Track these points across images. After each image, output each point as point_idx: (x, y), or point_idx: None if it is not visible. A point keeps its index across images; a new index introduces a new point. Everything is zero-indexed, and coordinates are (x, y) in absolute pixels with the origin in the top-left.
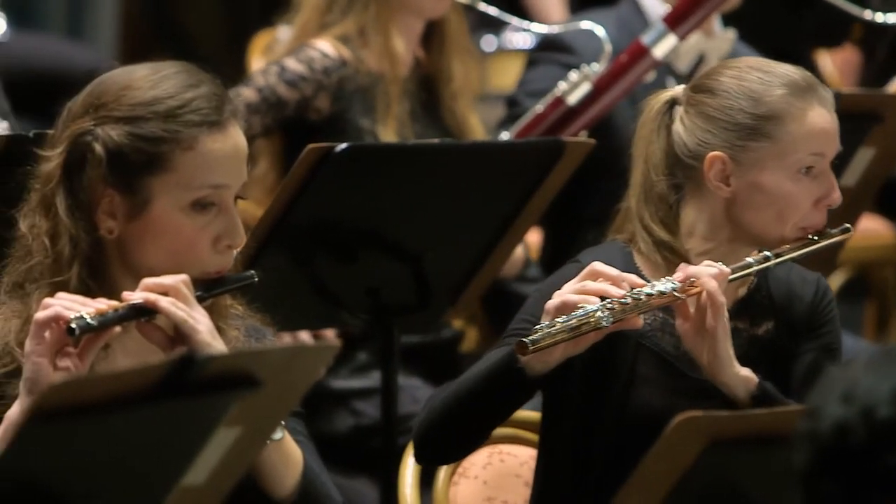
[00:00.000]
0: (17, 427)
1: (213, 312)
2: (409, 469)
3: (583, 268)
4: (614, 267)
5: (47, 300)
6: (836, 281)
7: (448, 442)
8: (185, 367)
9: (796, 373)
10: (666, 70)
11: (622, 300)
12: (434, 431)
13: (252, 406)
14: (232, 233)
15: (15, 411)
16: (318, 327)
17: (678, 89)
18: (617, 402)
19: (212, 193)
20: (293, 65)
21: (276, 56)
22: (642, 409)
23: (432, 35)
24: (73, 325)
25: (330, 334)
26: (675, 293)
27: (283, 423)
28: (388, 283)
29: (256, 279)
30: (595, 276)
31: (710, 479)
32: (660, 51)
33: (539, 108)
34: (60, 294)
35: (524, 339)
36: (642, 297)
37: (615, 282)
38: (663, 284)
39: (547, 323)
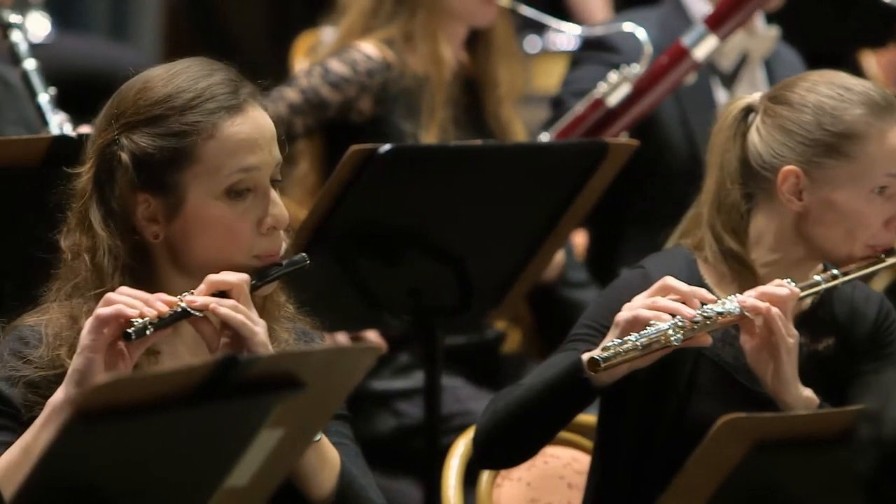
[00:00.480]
0: (60, 427)
1: (265, 313)
2: (452, 470)
3: (646, 274)
4: (678, 275)
5: (110, 295)
6: (879, 284)
7: (510, 445)
8: (228, 369)
9: (857, 392)
10: (709, 69)
11: (693, 318)
12: (496, 435)
13: (295, 408)
14: (273, 213)
15: (59, 398)
16: (359, 329)
17: (755, 97)
18: (675, 411)
19: (244, 178)
20: (337, 66)
21: (320, 57)
22: (700, 419)
23: (478, 40)
24: (131, 332)
25: (372, 336)
26: (745, 313)
27: None
28: (430, 284)
29: (308, 262)
30: (666, 291)
31: (755, 481)
32: (700, 52)
33: (579, 109)
34: (123, 289)
35: (595, 357)
36: (712, 315)
37: (687, 299)
38: (732, 304)
39: (618, 341)
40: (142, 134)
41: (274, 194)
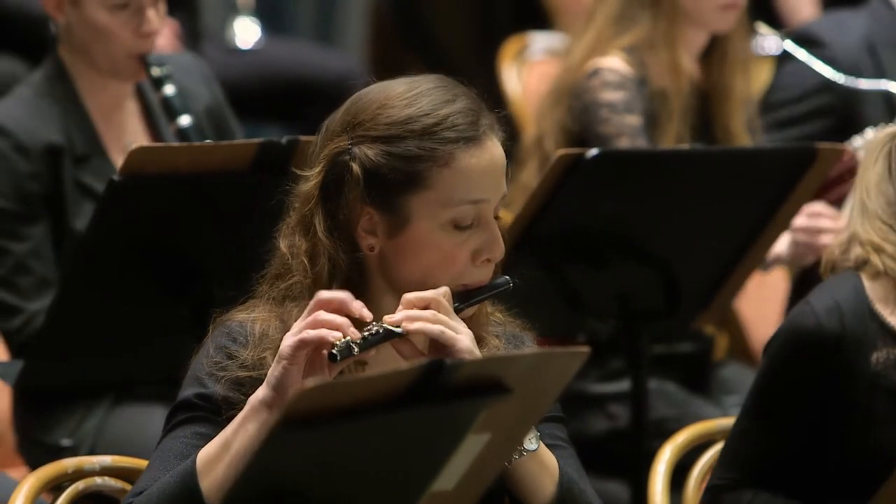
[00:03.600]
0: (266, 432)
1: (473, 322)
2: (659, 475)
3: (814, 312)
4: (844, 302)
5: (319, 316)
6: None
7: None
8: (435, 373)
9: None
10: None
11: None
12: None
13: (501, 412)
14: (491, 246)
15: (258, 397)
16: (565, 334)
17: None
18: (855, 444)
19: (471, 209)
20: (612, 95)
21: (566, 67)
22: (882, 450)
23: (713, 49)
24: (336, 352)
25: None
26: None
27: (537, 433)
28: (637, 288)
29: (511, 285)
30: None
31: None
32: None
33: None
34: (335, 298)
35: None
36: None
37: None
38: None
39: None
40: (378, 151)
41: (494, 226)
